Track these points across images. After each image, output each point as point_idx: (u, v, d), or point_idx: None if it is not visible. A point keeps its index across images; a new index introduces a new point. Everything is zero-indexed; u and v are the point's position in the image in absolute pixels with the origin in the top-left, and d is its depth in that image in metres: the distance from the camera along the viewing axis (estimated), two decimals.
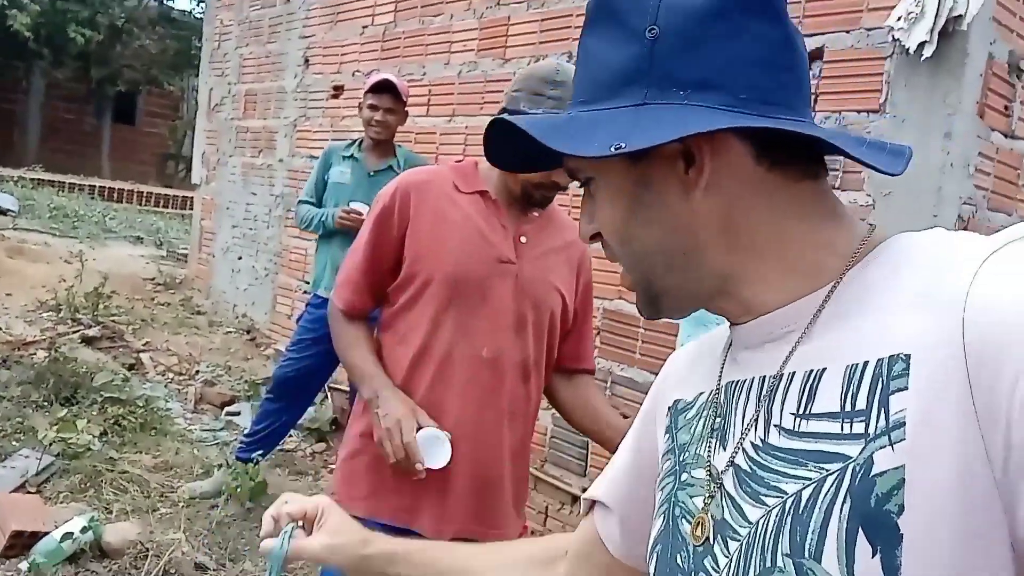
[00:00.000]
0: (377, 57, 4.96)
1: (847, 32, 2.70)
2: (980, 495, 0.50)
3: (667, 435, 0.78)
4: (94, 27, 16.57)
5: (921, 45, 2.43)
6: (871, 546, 0.53)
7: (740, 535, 0.62)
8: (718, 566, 0.64)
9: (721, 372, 0.72)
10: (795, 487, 0.58)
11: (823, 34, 2.74)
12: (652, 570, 0.74)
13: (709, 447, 0.70)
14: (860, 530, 0.53)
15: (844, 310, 0.61)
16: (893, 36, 2.53)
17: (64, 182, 13.94)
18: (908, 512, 0.52)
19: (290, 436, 4.21)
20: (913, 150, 0.66)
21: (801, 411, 0.60)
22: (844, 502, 0.55)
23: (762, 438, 0.63)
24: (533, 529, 2.92)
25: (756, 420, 0.64)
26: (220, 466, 3.80)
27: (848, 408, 0.57)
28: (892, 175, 0.63)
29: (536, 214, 1.79)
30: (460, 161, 1.86)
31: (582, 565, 0.88)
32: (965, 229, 2.54)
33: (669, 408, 0.79)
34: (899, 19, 2.49)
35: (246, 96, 6.44)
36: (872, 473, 0.54)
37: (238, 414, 4.79)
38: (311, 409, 4.35)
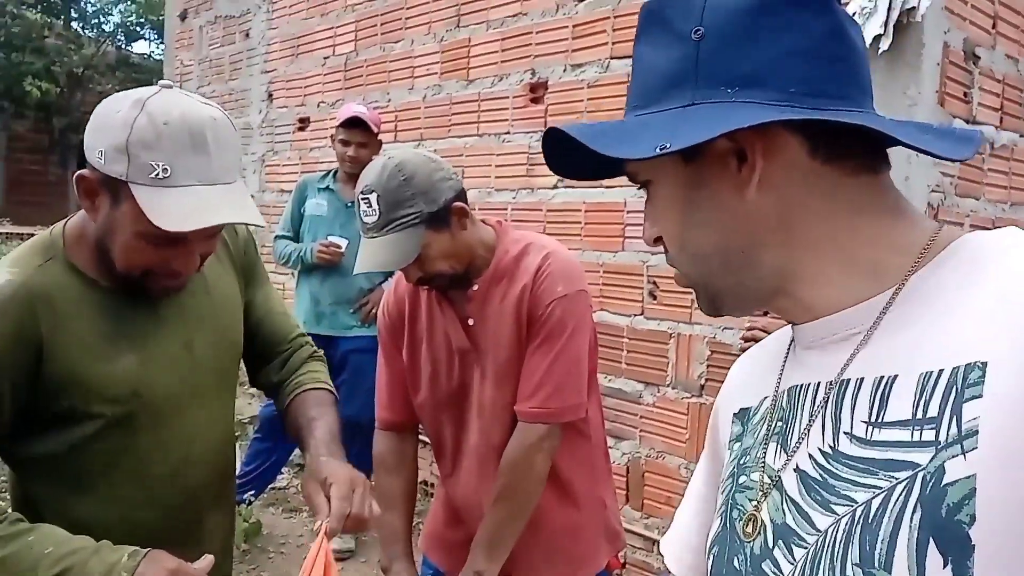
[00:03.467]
0: (341, 87, 4.96)
1: None
2: None
3: (736, 443, 0.76)
4: (51, 79, 16.44)
5: (877, 39, 2.47)
6: (942, 557, 0.51)
7: (807, 543, 0.61)
8: (781, 572, 0.62)
9: (781, 374, 0.71)
10: (865, 496, 0.57)
11: None
12: (709, 570, 0.73)
13: (766, 450, 0.69)
14: (931, 540, 0.52)
15: (912, 313, 0.59)
16: None
17: (32, 234, 13.64)
18: (980, 523, 0.50)
19: (281, 474, 4.17)
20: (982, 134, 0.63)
21: (873, 419, 0.59)
22: (915, 511, 0.53)
23: (832, 445, 0.61)
24: None
25: (824, 426, 0.63)
26: None
27: (920, 416, 0.55)
28: (957, 161, 0.61)
29: (476, 287, 1.62)
30: None
31: None
32: (935, 217, 2.58)
33: (735, 417, 0.78)
34: (853, 15, 2.53)
35: None
36: (944, 482, 0.52)
37: None
38: None
